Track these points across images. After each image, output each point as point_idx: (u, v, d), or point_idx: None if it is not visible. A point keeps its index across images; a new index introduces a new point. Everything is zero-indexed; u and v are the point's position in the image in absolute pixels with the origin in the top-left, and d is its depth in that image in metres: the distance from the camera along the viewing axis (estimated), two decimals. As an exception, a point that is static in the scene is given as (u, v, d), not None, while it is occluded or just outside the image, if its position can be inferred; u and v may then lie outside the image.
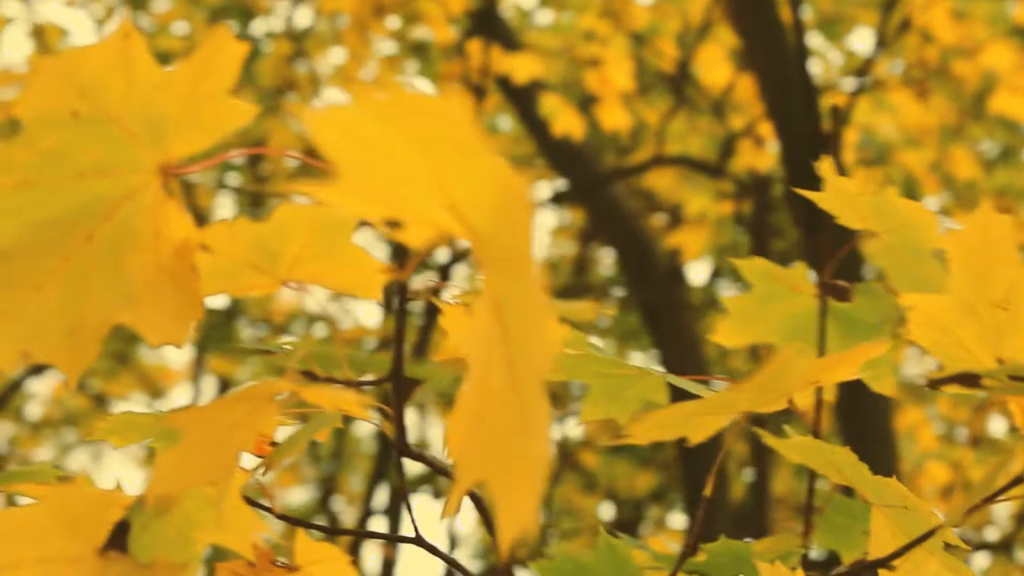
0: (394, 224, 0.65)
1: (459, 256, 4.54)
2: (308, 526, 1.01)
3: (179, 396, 7.05)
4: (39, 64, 0.72)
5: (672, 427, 0.82)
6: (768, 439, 0.96)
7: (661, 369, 1.11)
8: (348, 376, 0.87)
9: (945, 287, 1.02)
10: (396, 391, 0.85)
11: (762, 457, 4.79)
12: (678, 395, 1.14)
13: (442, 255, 5.83)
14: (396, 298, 0.84)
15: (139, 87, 0.75)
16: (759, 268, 1.21)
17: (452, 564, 1.00)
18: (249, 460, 1.02)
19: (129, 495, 0.89)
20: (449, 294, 0.95)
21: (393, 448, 0.90)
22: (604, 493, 6.80)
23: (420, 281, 0.90)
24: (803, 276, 1.22)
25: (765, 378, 0.70)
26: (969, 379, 0.87)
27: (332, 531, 1.02)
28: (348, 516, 7.17)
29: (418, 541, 0.97)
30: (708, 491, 1.03)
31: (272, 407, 0.76)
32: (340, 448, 6.82)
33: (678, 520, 7.25)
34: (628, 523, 6.93)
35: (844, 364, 0.68)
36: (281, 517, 0.99)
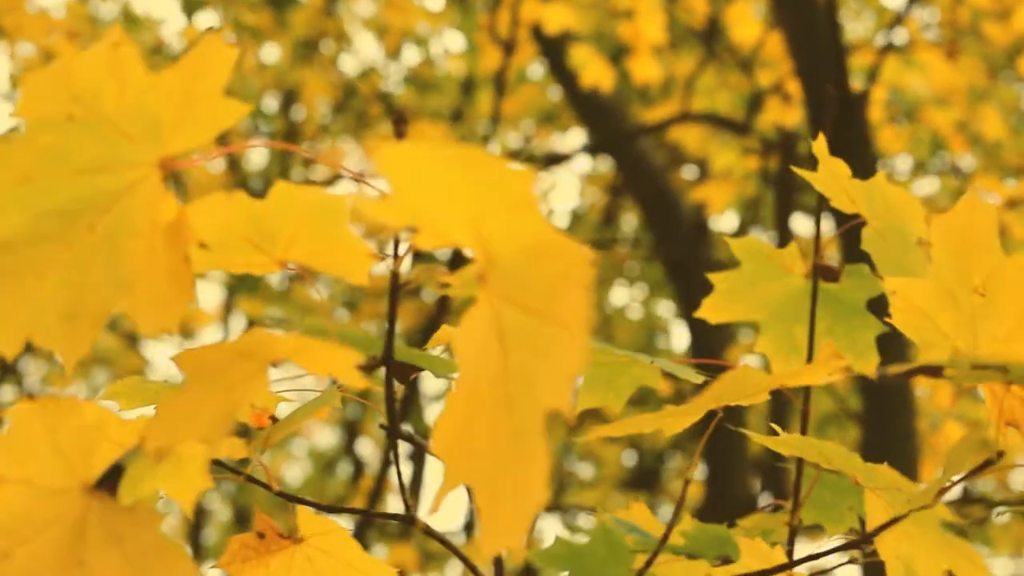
0: (411, 229, 0.69)
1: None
2: (304, 503, 1.04)
3: (209, 337, 7.10)
4: (31, 76, 0.75)
5: (647, 425, 0.85)
6: (756, 437, 0.99)
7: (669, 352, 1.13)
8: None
9: (927, 276, 1.03)
10: (387, 375, 0.88)
11: (781, 411, 4.82)
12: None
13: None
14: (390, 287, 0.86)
15: (132, 91, 0.77)
16: (750, 247, 1.22)
17: (447, 545, 1.02)
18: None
19: (121, 422, 0.91)
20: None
21: (385, 430, 0.92)
22: (626, 443, 6.84)
23: (421, 270, 0.92)
24: (794, 256, 1.23)
25: (723, 388, 0.73)
26: (933, 370, 0.89)
27: (325, 508, 1.04)
28: (375, 459, 7.23)
29: (411, 521, 0.99)
30: (691, 474, 1.05)
31: (267, 375, 0.78)
32: (365, 391, 6.85)
33: (700, 471, 7.27)
34: (650, 472, 6.96)
35: (805, 375, 0.71)
36: (279, 495, 1.02)
